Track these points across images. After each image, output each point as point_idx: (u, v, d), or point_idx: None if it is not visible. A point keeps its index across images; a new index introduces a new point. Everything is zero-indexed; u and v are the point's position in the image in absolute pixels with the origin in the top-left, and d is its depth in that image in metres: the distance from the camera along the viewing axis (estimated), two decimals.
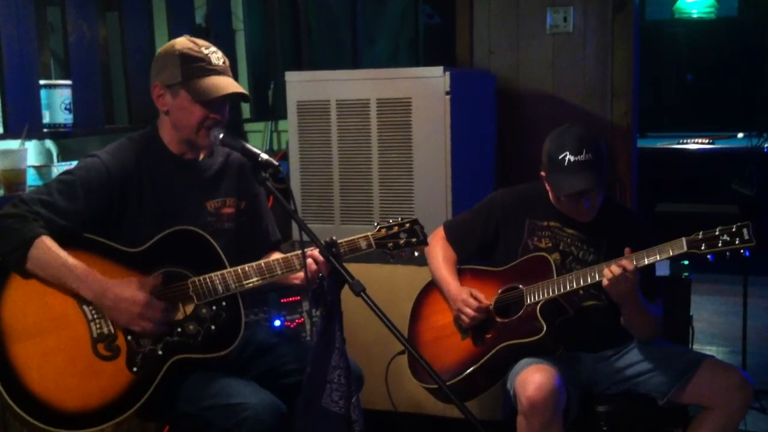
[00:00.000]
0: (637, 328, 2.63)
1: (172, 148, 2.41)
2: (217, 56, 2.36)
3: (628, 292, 2.48)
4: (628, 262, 2.44)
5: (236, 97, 2.36)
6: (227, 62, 2.40)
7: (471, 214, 2.90)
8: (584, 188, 2.59)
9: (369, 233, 2.43)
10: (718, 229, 2.39)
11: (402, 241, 2.45)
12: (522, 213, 2.78)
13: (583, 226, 2.71)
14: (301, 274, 2.34)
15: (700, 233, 2.41)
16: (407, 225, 2.47)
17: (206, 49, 2.36)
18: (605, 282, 2.46)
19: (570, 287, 2.56)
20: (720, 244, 2.37)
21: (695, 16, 7.34)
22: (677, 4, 7.38)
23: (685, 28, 7.88)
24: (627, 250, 2.48)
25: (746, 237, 2.35)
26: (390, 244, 2.44)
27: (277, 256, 2.43)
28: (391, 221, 2.48)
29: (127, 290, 2.18)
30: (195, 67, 2.31)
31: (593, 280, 2.52)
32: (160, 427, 2.57)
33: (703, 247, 2.39)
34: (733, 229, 2.37)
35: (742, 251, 2.36)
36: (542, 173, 2.71)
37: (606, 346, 2.71)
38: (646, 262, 2.46)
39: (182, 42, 2.36)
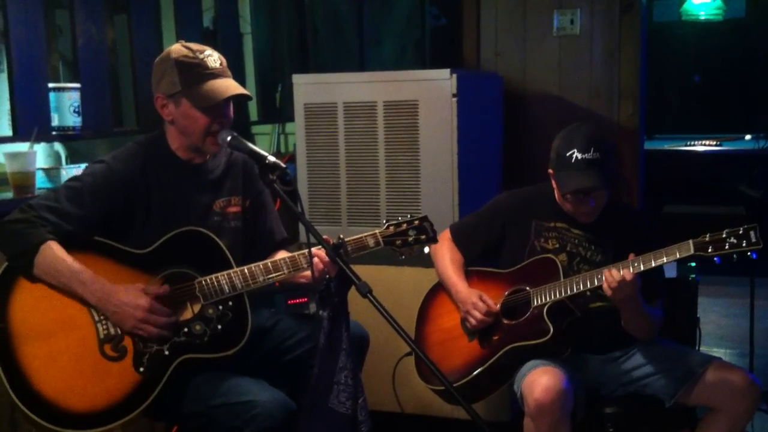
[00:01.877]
0: (635, 329, 2.63)
1: (179, 155, 2.41)
2: (213, 59, 2.34)
3: (628, 297, 2.49)
4: (627, 271, 2.45)
5: (239, 97, 2.35)
6: (224, 62, 2.37)
7: (477, 216, 2.91)
8: (589, 186, 2.59)
9: (377, 230, 2.42)
10: (725, 232, 2.39)
11: (411, 239, 2.44)
12: (528, 214, 2.78)
13: (589, 226, 2.71)
14: (308, 272, 2.34)
15: (707, 235, 2.41)
16: (416, 222, 2.46)
17: (201, 53, 2.33)
18: (606, 288, 2.47)
19: (577, 289, 2.56)
20: (727, 247, 2.37)
21: (702, 18, 7.31)
22: (684, 5, 7.35)
23: (692, 29, 7.85)
24: (631, 255, 2.49)
25: (753, 239, 2.35)
26: (398, 242, 2.43)
27: (283, 255, 2.43)
28: (400, 218, 2.46)
29: (130, 295, 2.19)
30: (192, 73, 2.30)
31: (600, 282, 2.52)
32: (168, 427, 2.58)
33: (710, 250, 2.39)
34: (740, 232, 2.37)
35: (749, 253, 2.36)
36: (550, 171, 2.71)
37: (613, 347, 2.71)
38: (653, 265, 2.45)
39: (177, 49, 2.34)
